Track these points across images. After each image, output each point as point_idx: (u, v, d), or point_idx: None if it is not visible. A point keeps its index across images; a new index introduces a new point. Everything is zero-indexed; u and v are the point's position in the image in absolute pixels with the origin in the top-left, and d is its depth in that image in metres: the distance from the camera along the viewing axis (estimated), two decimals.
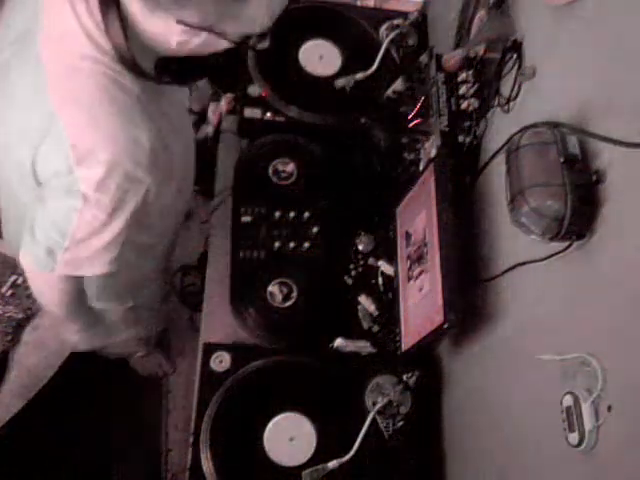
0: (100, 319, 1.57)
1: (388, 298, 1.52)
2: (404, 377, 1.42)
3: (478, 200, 1.37)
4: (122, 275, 1.32)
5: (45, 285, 1.29)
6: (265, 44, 1.14)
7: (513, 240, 1.19)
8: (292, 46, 1.71)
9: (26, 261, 1.21)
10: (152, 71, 1.11)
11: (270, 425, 1.36)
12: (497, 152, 1.25)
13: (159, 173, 1.12)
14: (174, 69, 1.14)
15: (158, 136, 1.10)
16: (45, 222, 1.15)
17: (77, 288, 1.33)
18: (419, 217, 1.42)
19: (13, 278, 1.73)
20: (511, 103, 1.25)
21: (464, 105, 1.41)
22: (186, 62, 1.13)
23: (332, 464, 1.31)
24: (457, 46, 1.52)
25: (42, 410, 1.74)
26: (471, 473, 1.34)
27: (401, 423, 1.39)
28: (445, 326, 1.23)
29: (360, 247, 1.57)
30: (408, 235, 1.48)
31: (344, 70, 1.70)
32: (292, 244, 1.53)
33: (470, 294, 1.31)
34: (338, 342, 1.45)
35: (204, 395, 1.38)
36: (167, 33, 1.02)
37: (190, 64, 1.14)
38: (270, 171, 1.61)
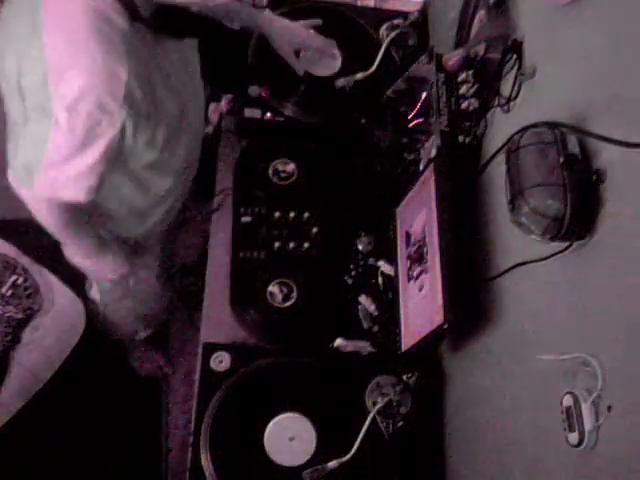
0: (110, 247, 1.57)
1: (388, 298, 1.52)
2: (404, 377, 1.42)
3: (478, 200, 1.37)
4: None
5: (41, 206, 1.31)
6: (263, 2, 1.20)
7: (513, 240, 1.19)
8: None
9: (11, 178, 1.26)
10: (149, 16, 1.16)
11: (270, 425, 1.36)
12: (497, 152, 1.25)
13: (135, 112, 1.15)
14: (175, 19, 1.20)
15: (140, 78, 1.14)
16: (26, 140, 1.20)
17: (74, 210, 1.34)
18: (419, 217, 1.42)
19: (13, 278, 1.73)
20: (511, 103, 1.25)
21: (464, 105, 1.41)
22: (187, 17, 1.21)
23: (332, 464, 1.31)
24: (457, 46, 1.52)
25: (42, 410, 1.74)
26: (471, 473, 1.34)
27: (401, 423, 1.39)
28: (445, 326, 1.23)
29: (360, 247, 1.57)
30: (408, 235, 1.48)
31: (344, 70, 1.70)
32: (292, 244, 1.53)
33: (470, 294, 1.31)
34: (338, 342, 1.45)
35: (204, 395, 1.38)
36: None
37: (191, 20, 1.22)
38: (270, 171, 1.61)
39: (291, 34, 1.62)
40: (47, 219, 1.33)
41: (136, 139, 1.23)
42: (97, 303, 1.84)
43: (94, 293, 1.83)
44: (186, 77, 1.35)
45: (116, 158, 1.24)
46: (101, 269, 1.57)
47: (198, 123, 1.49)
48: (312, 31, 1.66)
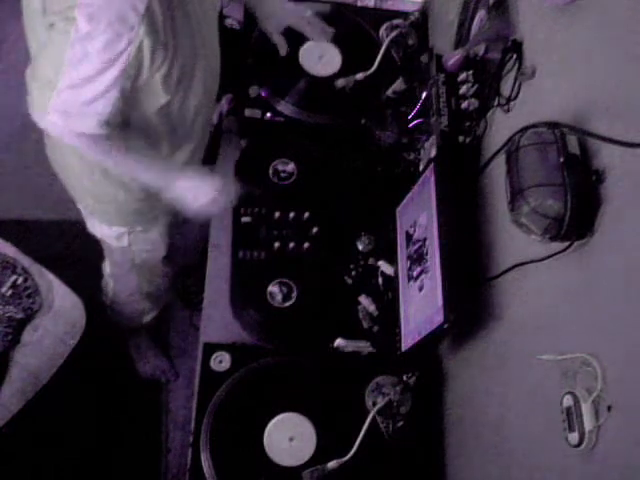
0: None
1: (388, 298, 1.52)
2: (404, 377, 1.42)
3: (478, 200, 1.37)
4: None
5: (62, 133, 1.28)
6: None
7: (513, 240, 1.19)
8: (292, 46, 1.71)
9: (30, 107, 1.23)
10: None
11: (270, 425, 1.36)
12: (497, 152, 1.25)
13: (153, 33, 1.15)
14: None
15: (164, 4, 1.15)
16: (46, 61, 1.19)
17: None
18: (419, 217, 1.42)
19: (13, 278, 1.72)
20: (511, 103, 1.25)
21: (464, 105, 1.41)
22: None
23: (332, 464, 1.31)
24: (457, 46, 1.52)
25: (42, 410, 1.74)
26: (471, 473, 1.34)
27: (401, 423, 1.39)
28: (445, 326, 1.23)
29: (360, 247, 1.57)
30: (408, 235, 1.48)
31: (344, 70, 1.70)
32: (292, 244, 1.53)
33: (470, 294, 1.32)
34: (338, 342, 1.45)
35: (204, 395, 1.38)
36: None
37: None
38: (270, 171, 1.61)
39: (285, 12, 1.63)
40: (75, 142, 1.30)
41: (153, 69, 1.21)
42: (108, 282, 1.91)
43: (106, 267, 1.90)
44: (204, 21, 1.34)
45: (133, 89, 1.22)
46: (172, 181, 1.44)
47: (210, 80, 1.45)
48: (310, 15, 1.66)
